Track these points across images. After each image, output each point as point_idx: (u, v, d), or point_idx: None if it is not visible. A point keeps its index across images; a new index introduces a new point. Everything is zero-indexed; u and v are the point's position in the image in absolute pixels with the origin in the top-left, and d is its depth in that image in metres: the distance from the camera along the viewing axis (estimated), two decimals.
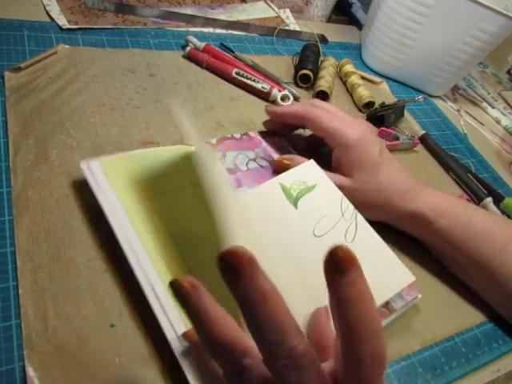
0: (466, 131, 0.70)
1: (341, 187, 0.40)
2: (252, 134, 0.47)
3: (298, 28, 0.73)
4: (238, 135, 0.46)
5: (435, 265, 0.44)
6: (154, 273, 0.32)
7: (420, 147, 0.61)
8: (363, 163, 0.41)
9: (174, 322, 0.30)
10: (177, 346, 0.29)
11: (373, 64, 0.73)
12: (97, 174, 0.36)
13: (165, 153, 0.41)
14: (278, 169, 0.42)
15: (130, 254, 0.32)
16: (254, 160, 0.44)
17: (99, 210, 0.36)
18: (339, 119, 0.42)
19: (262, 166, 0.44)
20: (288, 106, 0.48)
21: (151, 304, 0.30)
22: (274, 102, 0.55)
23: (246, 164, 0.43)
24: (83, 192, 0.37)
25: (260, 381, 0.22)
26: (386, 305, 0.36)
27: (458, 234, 0.41)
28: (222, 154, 0.43)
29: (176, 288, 0.22)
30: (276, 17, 0.74)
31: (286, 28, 0.72)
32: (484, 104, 0.80)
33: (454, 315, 0.41)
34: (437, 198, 0.42)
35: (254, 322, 0.20)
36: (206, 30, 0.64)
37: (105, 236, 0.35)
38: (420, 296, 0.38)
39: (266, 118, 0.51)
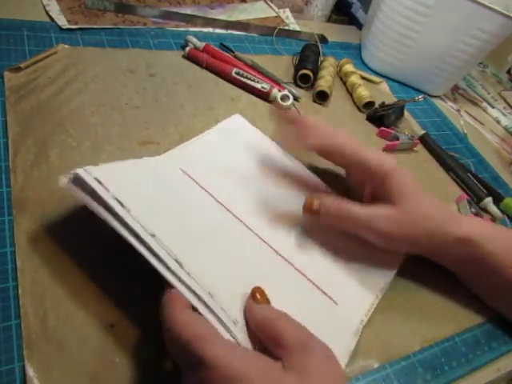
0: (465, 131, 0.70)
1: (387, 218, 0.37)
2: None
3: (297, 28, 0.73)
4: None
5: (434, 264, 0.44)
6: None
7: (420, 147, 0.60)
8: (407, 191, 0.38)
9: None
10: None
11: (373, 64, 0.73)
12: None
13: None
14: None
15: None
16: None
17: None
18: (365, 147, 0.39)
19: None
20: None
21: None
22: (273, 101, 0.55)
23: None
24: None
25: None
26: None
27: (509, 257, 0.38)
28: None
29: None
30: (276, 17, 0.74)
31: (286, 28, 0.72)
32: (484, 104, 0.80)
33: (454, 315, 0.41)
34: (480, 222, 0.41)
35: None
36: (205, 29, 0.64)
37: (105, 236, 0.35)
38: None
39: (266, 117, 0.51)
